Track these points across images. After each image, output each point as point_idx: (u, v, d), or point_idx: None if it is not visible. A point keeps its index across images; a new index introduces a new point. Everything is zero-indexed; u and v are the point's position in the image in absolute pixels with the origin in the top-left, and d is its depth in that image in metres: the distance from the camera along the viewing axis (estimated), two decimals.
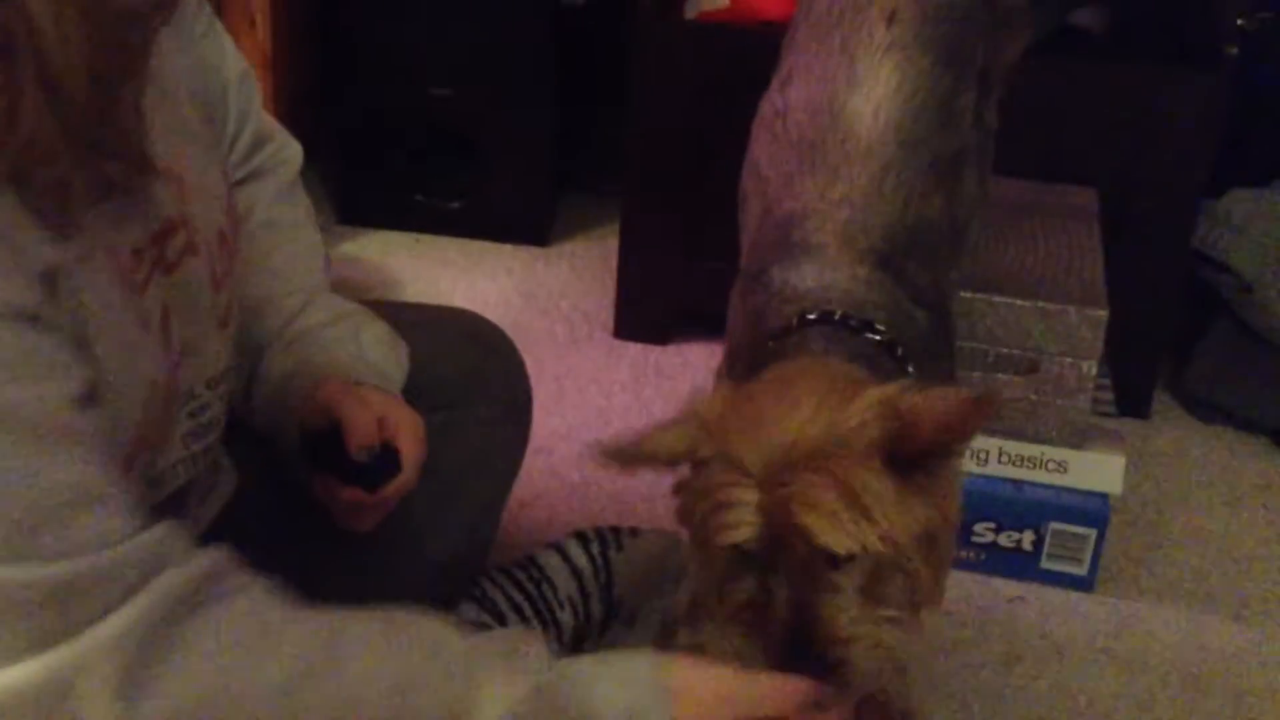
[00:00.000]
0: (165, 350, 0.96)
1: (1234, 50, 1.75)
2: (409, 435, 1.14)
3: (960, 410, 0.97)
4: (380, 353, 1.20)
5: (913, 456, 0.98)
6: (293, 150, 1.26)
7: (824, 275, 1.21)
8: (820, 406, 0.98)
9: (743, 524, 0.97)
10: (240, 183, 1.21)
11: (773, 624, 0.98)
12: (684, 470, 1.03)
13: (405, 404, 1.17)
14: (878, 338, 1.16)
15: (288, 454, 1.17)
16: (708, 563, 1.01)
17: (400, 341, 1.23)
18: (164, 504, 1.05)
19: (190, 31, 1.09)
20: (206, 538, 1.13)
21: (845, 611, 0.98)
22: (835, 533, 0.95)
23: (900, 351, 1.16)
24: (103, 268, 0.88)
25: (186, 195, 1.00)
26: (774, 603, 0.98)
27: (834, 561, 0.97)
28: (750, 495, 0.97)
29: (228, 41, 1.18)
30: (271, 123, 1.25)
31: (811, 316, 1.18)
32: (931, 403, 0.97)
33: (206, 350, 1.02)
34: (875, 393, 0.99)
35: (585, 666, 0.93)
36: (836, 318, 1.17)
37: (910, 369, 1.16)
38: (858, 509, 0.96)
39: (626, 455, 1.02)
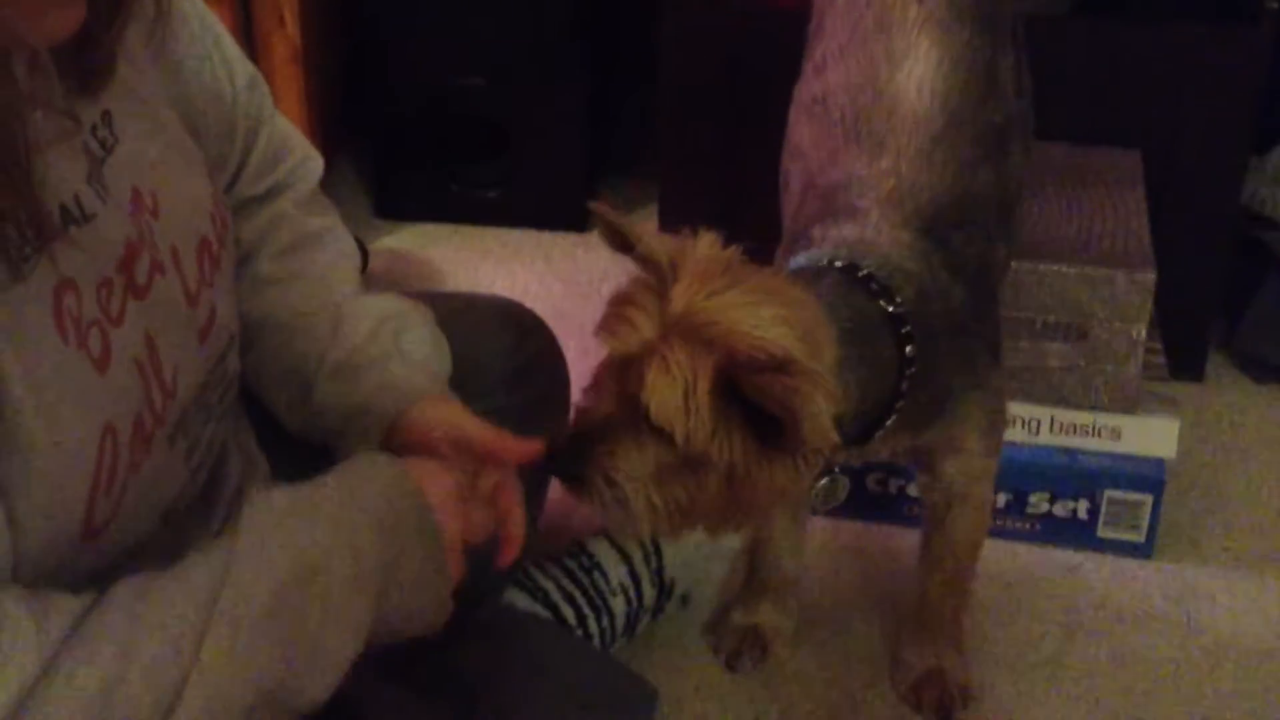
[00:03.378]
0: (156, 381, 0.94)
1: (1275, 4, 1.72)
2: (511, 492, 1.11)
3: (779, 396, 0.98)
4: (426, 352, 1.18)
5: (751, 403, 1.00)
6: (313, 164, 1.23)
7: (865, 233, 1.20)
8: (751, 308, 1.01)
9: (619, 342, 1.04)
10: (260, 199, 1.18)
11: (581, 414, 1.08)
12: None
13: (487, 425, 1.12)
14: (890, 309, 1.15)
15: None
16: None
17: (440, 333, 1.22)
18: (191, 506, 1.05)
19: (162, 38, 1.03)
20: None
21: (628, 461, 1.05)
22: (658, 398, 1.01)
23: (906, 329, 1.15)
24: (31, 323, 0.84)
25: (157, 210, 0.97)
26: (596, 405, 1.07)
27: (654, 425, 1.03)
28: (647, 328, 1.03)
29: (231, 47, 1.13)
30: (289, 133, 1.22)
31: (838, 264, 1.17)
32: (770, 379, 0.99)
33: (189, 368, 0.99)
34: (781, 335, 1.01)
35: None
36: (860, 275, 1.16)
37: (909, 350, 1.15)
38: (688, 397, 1.01)
39: (615, 224, 1.07)
